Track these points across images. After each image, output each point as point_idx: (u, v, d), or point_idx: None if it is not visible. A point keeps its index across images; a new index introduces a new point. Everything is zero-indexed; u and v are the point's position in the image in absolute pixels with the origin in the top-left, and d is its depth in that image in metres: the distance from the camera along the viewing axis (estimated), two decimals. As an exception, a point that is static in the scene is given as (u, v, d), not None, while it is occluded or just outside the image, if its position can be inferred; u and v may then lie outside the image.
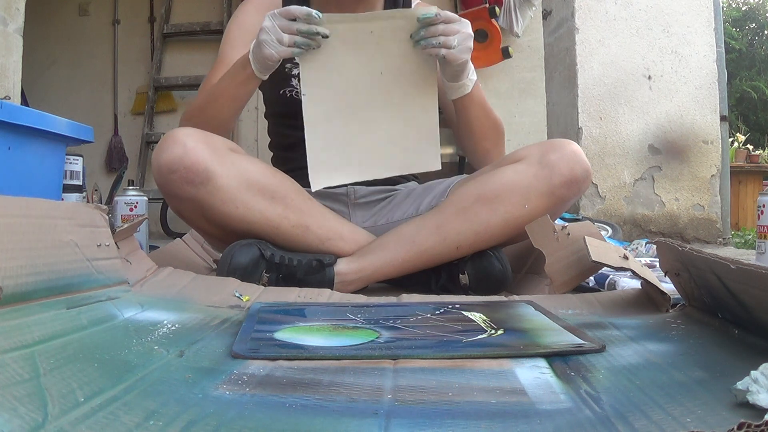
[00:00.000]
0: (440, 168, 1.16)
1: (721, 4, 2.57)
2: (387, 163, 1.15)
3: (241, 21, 1.31)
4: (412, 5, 1.34)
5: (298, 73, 1.17)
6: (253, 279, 1.03)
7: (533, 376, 0.54)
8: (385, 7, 1.33)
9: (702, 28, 2.39)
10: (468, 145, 1.28)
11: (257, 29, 1.27)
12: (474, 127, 1.22)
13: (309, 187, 1.17)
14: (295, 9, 1.03)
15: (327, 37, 1.04)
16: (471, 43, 1.07)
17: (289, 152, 1.33)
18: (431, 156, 1.14)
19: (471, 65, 1.15)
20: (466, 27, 1.07)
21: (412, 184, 1.40)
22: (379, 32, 1.06)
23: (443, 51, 1.05)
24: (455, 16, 1.07)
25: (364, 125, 1.12)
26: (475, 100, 1.19)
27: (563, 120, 2.50)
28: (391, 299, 0.95)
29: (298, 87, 1.27)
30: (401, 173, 1.20)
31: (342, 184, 1.18)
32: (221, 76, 1.18)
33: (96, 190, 1.79)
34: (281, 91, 1.30)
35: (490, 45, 3.51)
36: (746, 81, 9.39)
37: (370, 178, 1.18)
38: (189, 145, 1.03)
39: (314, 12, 1.02)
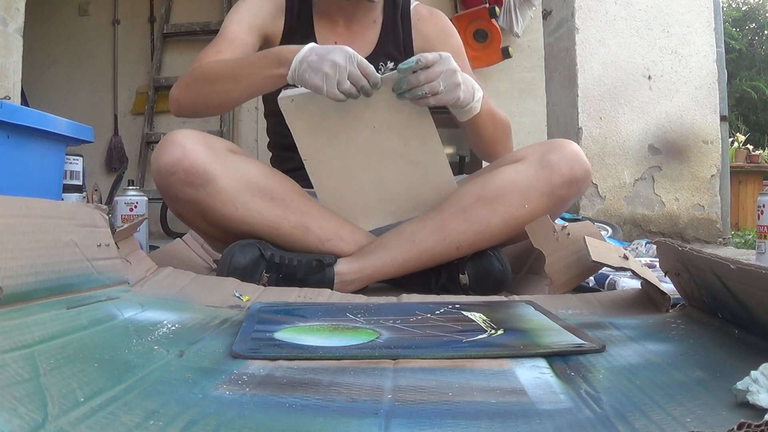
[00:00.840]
0: (456, 186, 1.16)
1: (721, 4, 2.57)
2: (408, 205, 1.16)
3: (245, 6, 1.29)
4: (411, 6, 1.34)
5: None
6: (253, 279, 1.03)
7: (533, 376, 0.54)
8: (385, 11, 1.32)
9: (702, 28, 2.39)
10: (479, 150, 1.28)
11: (261, 15, 1.27)
12: (485, 138, 1.21)
13: (309, 187, 1.17)
14: (369, 69, 1.01)
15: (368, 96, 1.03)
16: (458, 78, 1.02)
17: (288, 152, 1.33)
18: (446, 182, 1.15)
19: (475, 84, 1.11)
20: (447, 63, 1.02)
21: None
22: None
23: (431, 100, 1.02)
24: (435, 56, 1.02)
25: (372, 178, 1.14)
26: (484, 117, 1.15)
27: (563, 120, 2.49)
28: (391, 299, 0.95)
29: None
30: (419, 213, 1.17)
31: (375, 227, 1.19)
32: (248, 59, 1.14)
33: (96, 190, 1.79)
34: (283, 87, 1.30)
35: (490, 45, 3.51)
36: (746, 81, 9.38)
37: (397, 221, 1.18)
38: (188, 147, 1.03)
39: (380, 78, 1.01)
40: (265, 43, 1.29)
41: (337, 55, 1.00)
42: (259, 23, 1.27)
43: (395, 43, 1.31)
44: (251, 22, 1.26)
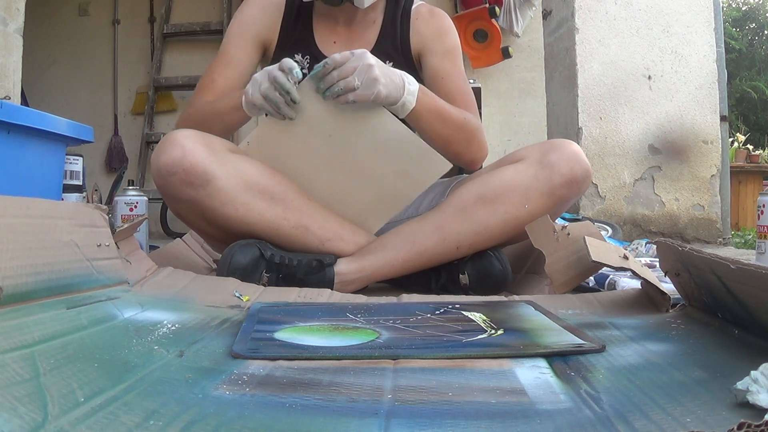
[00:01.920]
0: (450, 165, 1.14)
1: (721, 4, 2.57)
2: (402, 193, 1.15)
3: (243, 15, 1.32)
4: (413, 6, 1.34)
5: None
6: (253, 279, 1.03)
7: (533, 376, 0.54)
8: (386, 11, 1.32)
9: (702, 28, 2.39)
10: (438, 150, 1.22)
11: (258, 25, 1.29)
12: (433, 136, 1.16)
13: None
14: (286, 61, 1.05)
15: (296, 102, 1.05)
16: (375, 72, 1.02)
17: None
18: (434, 161, 1.13)
19: (407, 79, 1.09)
20: (362, 59, 1.03)
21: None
22: (303, 101, 1.07)
23: (350, 96, 1.03)
24: (345, 54, 1.03)
25: (356, 182, 1.14)
26: (424, 114, 1.12)
27: (563, 120, 2.50)
28: (391, 299, 0.95)
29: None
30: (421, 191, 1.17)
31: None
32: (219, 100, 1.20)
33: (96, 190, 1.79)
34: None
35: (490, 45, 3.51)
36: (746, 81, 9.38)
37: (399, 210, 1.18)
38: (188, 147, 1.03)
39: (295, 69, 1.04)
40: (265, 49, 1.32)
41: (271, 67, 1.06)
42: (254, 33, 1.30)
43: (393, 42, 1.31)
44: (247, 35, 1.29)
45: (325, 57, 1.22)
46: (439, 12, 1.36)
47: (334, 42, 1.30)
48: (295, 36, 1.30)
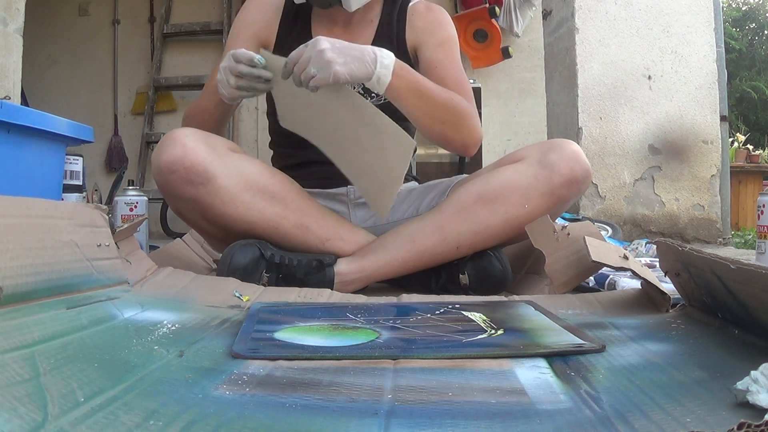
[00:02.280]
0: (414, 143, 1.11)
1: (721, 4, 2.57)
2: (389, 174, 1.13)
3: (242, 17, 1.34)
4: (410, 4, 1.33)
5: None
6: (253, 279, 1.03)
7: (533, 376, 0.54)
8: (384, 10, 1.32)
9: (702, 28, 2.39)
10: (424, 133, 1.21)
11: (256, 25, 1.31)
12: (417, 114, 1.15)
13: (309, 186, 1.17)
14: (240, 53, 1.06)
15: (269, 80, 1.07)
16: (328, 55, 1.03)
17: (289, 150, 1.33)
18: (399, 139, 1.09)
19: (377, 53, 1.08)
20: (315, 46, 1.04)
21: (412, 183, 1.40)
22: (287, 94, 1.11)
23: (311, 83, 1.04)
24: (299, 50, 1.05)
25: (356, 158, 1.15)
26: (402, 89, 1.10)
27: (563, 120, 2.50)
28: (391, 299, 0.95)
29: None
30: (400, 170, 1.14)
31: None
32: (205, 98, 1.24)
33: (96, 190, 1.79)
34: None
35: (490, 45, 3.51)
36: (746, 81, 9.38)
37: (396, 189, 1.16)
38: (189, 146, 1.03)
39: (256, 57, 1.06)
40: (265, 48, 1.31)
41: (224, 61, 1.08)
42: (253, 34, 1.31)
43: (390, 41, 1.30)
44: (246, 36, 1.31)
45: None
46: (435, 6, 1.34)
47: None
48: (294, 36, 1.30)
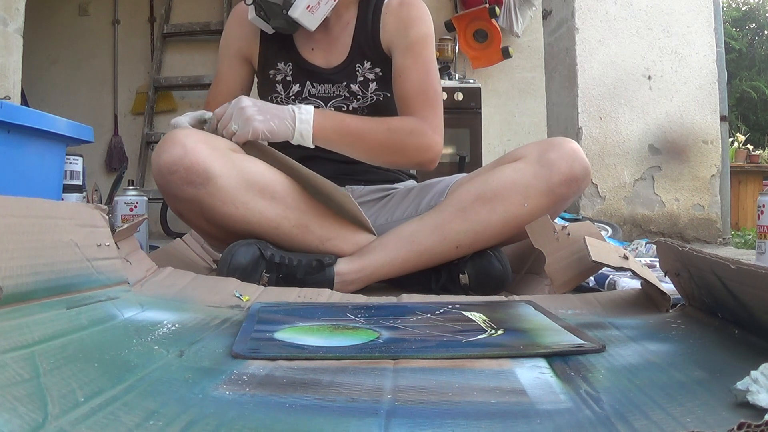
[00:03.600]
0: (347, 193, 1.11)
1: (721, 4, 2.57)
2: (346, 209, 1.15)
3: (225, 34, 1.40)
4: (384, 1, 1.31)
5: (281, 79, 1.30)
6: (253, 279, 1.03)
7: (533, 376, 0.54)
8: (360, 10, 1.31)
9: (702, 28, 2.39)
10: (371, 164, 1.28)
11: (237, 41, 1.37)
12: (356, 155, 1.23)
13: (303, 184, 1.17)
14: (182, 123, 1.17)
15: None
16: (248, 112, 1.10)
17: (288, 149, 1.33)
18: (333, 188, 1.11)
19: (296, 110, 1.14)
20: (237, 104, 1.12)
21: (411, 182, 1.40)
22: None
23: (234, 139, 1.11)
24: (222, 108, 1.14)
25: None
26: (329, 137, 1.17)
27: (563, 120, 2.50)
28: (391, 299, 0.95)
29: (282, 93, 1.33)
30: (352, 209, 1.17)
31: None
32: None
33: (96, 190, 1.79)
34: (269, 97, 1.34)
35: (490, 45, 3.51)
36: (746, 81, 9.37)
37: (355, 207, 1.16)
38: (189, 146, 1.03)
39: (207, 114, 1.18)
40: (250, 61, 1.38)
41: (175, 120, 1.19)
42: (235, 50, 1.37)
43: (367, 42, 1.29)
44: (229, 53, 1.38)
45: (306, 64, 1.31)
46: (408, 2, 1.29)
47: (312, 49, 1.32)
48: (276, 46, 1.32)
